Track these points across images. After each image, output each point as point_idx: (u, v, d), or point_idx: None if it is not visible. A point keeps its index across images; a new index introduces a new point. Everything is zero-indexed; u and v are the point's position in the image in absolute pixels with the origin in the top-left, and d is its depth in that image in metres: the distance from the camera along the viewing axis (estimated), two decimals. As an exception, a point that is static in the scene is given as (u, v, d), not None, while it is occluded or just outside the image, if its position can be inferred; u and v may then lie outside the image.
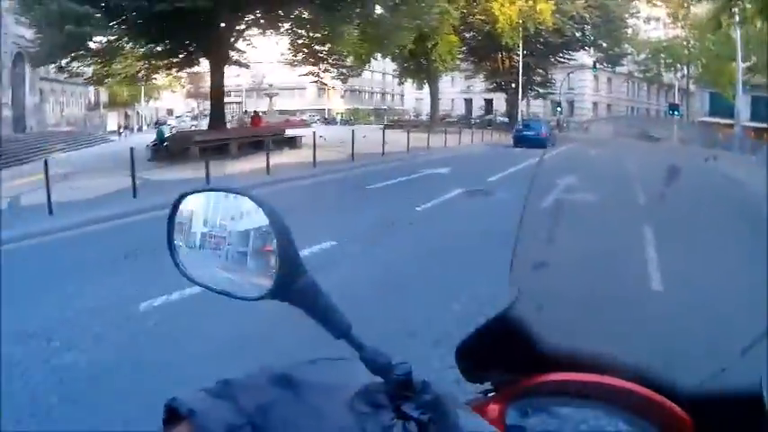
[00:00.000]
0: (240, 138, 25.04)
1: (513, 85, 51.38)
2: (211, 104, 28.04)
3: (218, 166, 16.92)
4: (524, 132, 31.01)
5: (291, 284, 0.64)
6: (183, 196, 0.75)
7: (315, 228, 8.70)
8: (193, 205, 0.74)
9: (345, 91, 76.68)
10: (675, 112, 47.76)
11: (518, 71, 49.49)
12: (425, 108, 74.88)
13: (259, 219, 0.66)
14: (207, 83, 31.47)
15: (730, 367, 0.87)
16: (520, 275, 1.04)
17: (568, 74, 58.16)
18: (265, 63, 46.01)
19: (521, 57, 45.23)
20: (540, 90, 56.46)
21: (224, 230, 0.71)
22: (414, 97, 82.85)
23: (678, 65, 46.11)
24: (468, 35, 49.60)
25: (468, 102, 77.91)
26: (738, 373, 0.84)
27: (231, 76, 36.55)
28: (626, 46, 50.01)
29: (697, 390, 0.83)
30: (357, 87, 78.37)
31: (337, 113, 74.33)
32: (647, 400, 0.83)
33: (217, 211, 0.72)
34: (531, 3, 42.03)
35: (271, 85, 55.95)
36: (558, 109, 57.67)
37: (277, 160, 18.97)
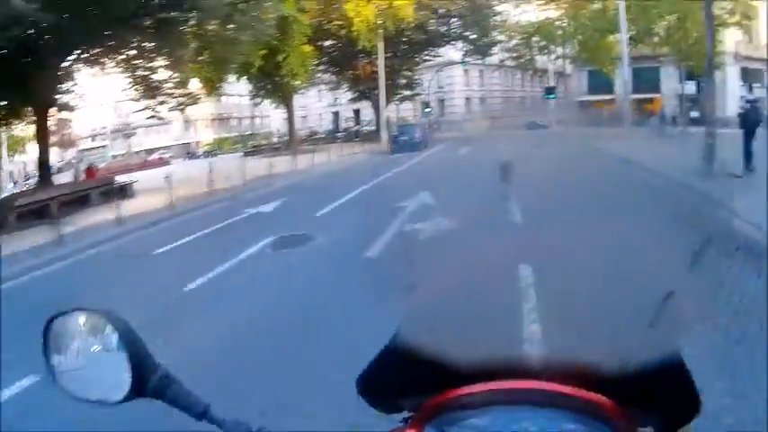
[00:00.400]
0: (62, 195, 21.17)
1: (377, 92, 47.95)
2: (38, 158, 24.88)
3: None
4: (400, 138, 32.18)
5: (148, 382, 0.80)
6: (52, 318, 0.88)
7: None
8: (62, 325, 0.88)
9: (212, 120, 75.36)
10: (551, 96, 46.45)
11: (382, 75, 46.13)
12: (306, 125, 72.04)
13: (113, 334, 0.82)
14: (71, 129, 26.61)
15: (641, 342, 0.89)
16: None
17: (436, 71, 55.71)
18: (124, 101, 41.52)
19: (381, 59, 41.50)
20: (407, 92, 53.37)
21: (88, 346, 0.85)
22: (282, 118, 78.99)
23: (552, 46, 44.26)
24: (326, 44, 45.67)
25: (336, 115, 74.39)
26: (650, 345, 0.86)
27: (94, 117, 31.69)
28: (495, 34, 47.52)
29: (615, 373, 0.83)
30: (224, 114, 75.88)
31: (204, 145, 70.27)
32: (565, 395, 0.82)
33: (80, 330, 0.87)
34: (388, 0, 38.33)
35: (128, 125, 49.82)
36: (427, 110, 55.10)
37: (86, 221, 16.44)
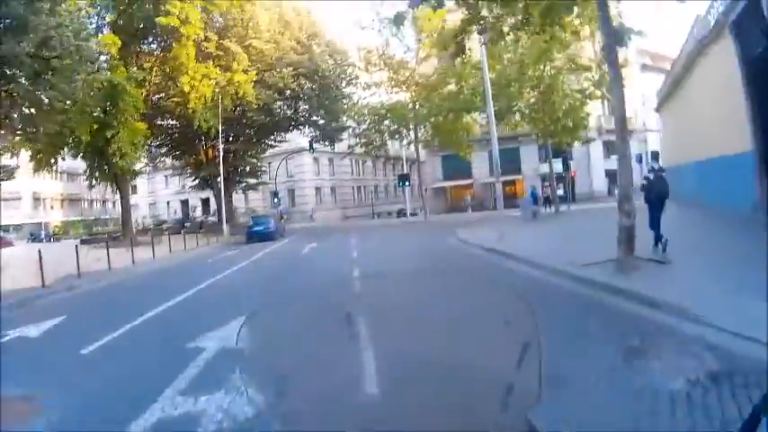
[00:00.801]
0: None
1: (220, 179, 40.48)
2: None
3: None
4: (254, 228, 30.92)
5: None
6: None
7: None
8: None
9: (63, 200, 70.30)
10: (406, 183, 42.02)
11: (221, 160, 38.95)
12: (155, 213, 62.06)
13: None
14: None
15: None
16: None
17: (284, 159, 49.74)
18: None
19: (220, 143, 34.36)
20: (252, 180, 46.60)
21: None
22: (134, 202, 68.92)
23: (404, 130, 39.80)
24: (168, 123, 38.08)
25: (185, 203, 65.43)
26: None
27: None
28: (344, 119, 42.59)
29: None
30: (76, 195, 70.95)
31: (55, 226, 64.44)
32: None
33: None
34: (228, 75, 31.69)
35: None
36: (276, 200, 48.50)
37: None
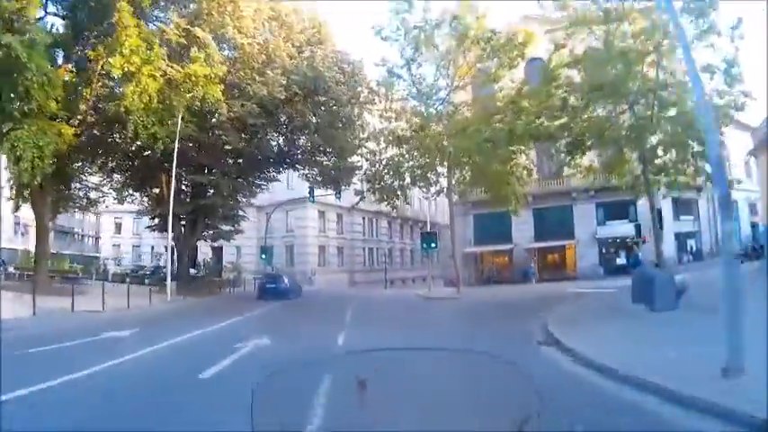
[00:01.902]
0: None
1: (185, 222, 31.00)
2: None
3: None
4: (268, 285, 28.97)
5: None
6: None
7: None
8: None
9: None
10: (432, 245, 31.24)
11: (190, 194, 29.67)
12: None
13: None
14: None
15: None
16: None
17: (276, 208, 40.42)
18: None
19: (174, 166, 25.26)
20: (225, 227, 35.92)
21: None
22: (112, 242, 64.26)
23: (432, 171, 29.47)
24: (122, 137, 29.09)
25: (152, 249, 56.58)
26: None
27: None
28: (356, 158, 32.98)
29: None
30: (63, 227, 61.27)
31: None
32: None
33: None
34: (184, 69, 22.81)
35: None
36: (263, 256, 39.00)
37: None
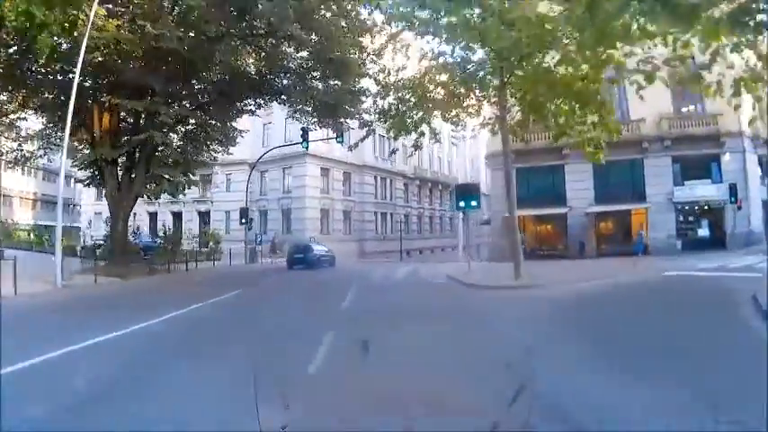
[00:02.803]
0: None
1: (122, 172, 23.10)
2: None
3: None
4: (296, 255, 27.62)
5: None
6: None
7: None
8: None
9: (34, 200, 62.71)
10: (472, 203, 20.26)
11: (134, 133, 21.73)
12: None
13: None
14: None
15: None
16: None
17: (274, 166, 32.28)
18: None
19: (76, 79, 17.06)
20: (180, 178, 25.43)
21: None
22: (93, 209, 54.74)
23: (471, 96, 19.96)
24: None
25: (154, 216, 48.78)
26: None
27: None
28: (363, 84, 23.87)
29: None
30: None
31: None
32: None
33: None
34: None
35: None
36: (244, 221, 31.29)
37: None
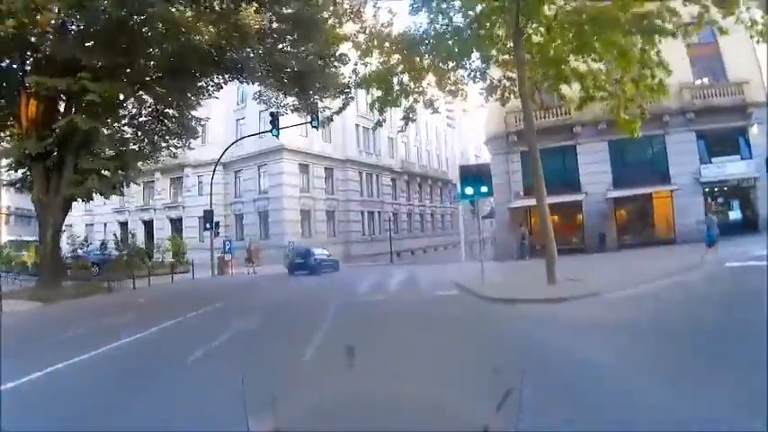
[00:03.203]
0: None
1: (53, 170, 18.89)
2: None
3: None
4: (297, 261, 26.90)
5: None
6: None
7: None
8: None
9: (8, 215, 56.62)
10: (482, 190, 15.20)
11: (67, 130, 17.56)
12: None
13: None
14: None
15: None
16: None
17: (249, 165, 28.29)
18: None
19: None
20: (112, 174, 20.43)
21: None
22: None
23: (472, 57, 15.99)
24: None
25: (125, 226, 45.02)
26: None
27: None
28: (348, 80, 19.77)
29: None
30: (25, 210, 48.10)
31: None
32: None
33: None
34: None
35: None
36: (208, 227, 27.46)
37: None
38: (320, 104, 21.88)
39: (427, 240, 52.91)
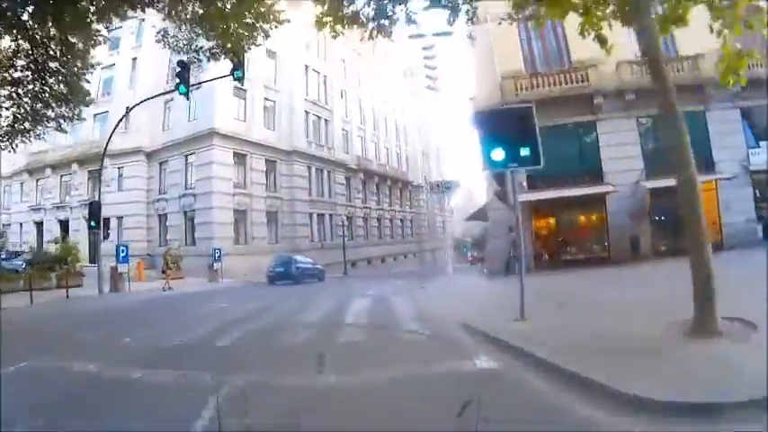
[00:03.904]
0: None
1: None
2: None
3: None
4: (277, 269, 25.64)
5: None
6: None
7: None
8: None
9: None
10: (522, 153, 8.04)
11: None
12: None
13: None
14: None
15: None
16: None
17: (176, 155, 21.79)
18: None
19: None
20: None
21: None
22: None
23: None
24: None
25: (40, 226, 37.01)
26: None
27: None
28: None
29: None
30: None
31: None
32: None
33: None
34: None
35: None
36: (93, 224, 20.25)
37: None
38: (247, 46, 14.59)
39: (386, 248, 46.23)
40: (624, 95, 18.71)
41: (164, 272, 22.81)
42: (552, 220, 20.51)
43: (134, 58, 34.34)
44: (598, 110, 18.85)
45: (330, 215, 38.82)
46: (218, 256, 26.66)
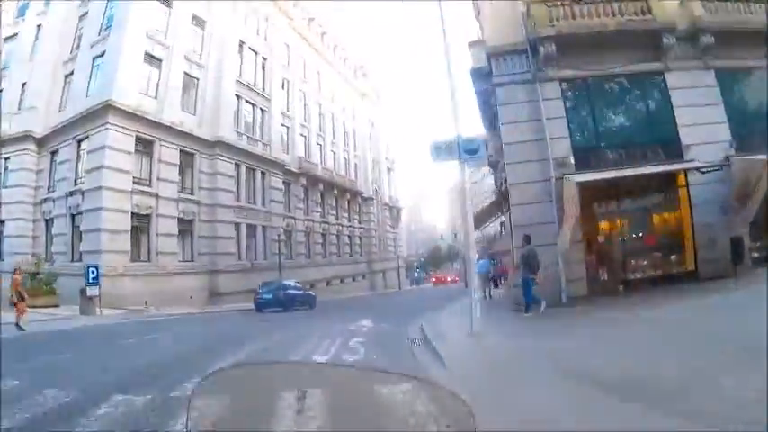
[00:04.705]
0: None
1: None
2: None
3: None
4: (264, 296, 23.67)
5: None
6: None
7: None
8: None
9: None
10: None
11: None
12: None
13: None
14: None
15: None
16: None
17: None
18: None
19: None
20: None
21: None
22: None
23: None
24: None
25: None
26: None
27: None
28: None
29: None
30: None
31: None
32: None
33: None
34: None
35: None
36: None
37: None
38: None
39: (332, 270, 39.14)
40: (698, 37, 12.83)
41: (14, 303, 14.65)
42: (609, 220, 14.02)
43: (38, 25, 26.89)
44: (669, 55, 12.82)
45: (263, 227, 31.44)
46: (95, 278, 18.44)
